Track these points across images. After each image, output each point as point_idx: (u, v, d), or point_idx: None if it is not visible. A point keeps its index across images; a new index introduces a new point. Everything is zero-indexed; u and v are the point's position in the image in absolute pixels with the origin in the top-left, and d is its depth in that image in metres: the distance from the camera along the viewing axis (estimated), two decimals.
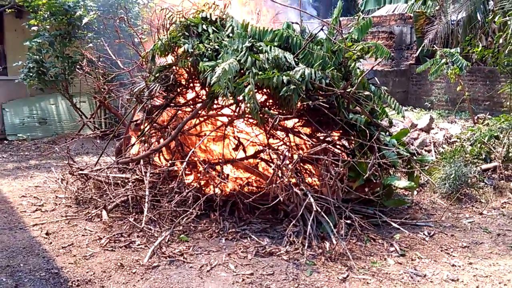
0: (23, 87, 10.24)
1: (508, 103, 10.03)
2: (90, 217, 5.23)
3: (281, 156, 5.04)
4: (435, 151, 8.19)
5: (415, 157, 5.81)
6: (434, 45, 12.76)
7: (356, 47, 5.36)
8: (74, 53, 9.85)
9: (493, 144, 7.24)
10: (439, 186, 6.30)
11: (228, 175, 5.62)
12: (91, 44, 9.57)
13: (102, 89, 6.80)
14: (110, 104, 7.16)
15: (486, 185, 6.50)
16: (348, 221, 4.72)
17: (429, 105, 14.42)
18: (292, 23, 5.71)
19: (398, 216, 5.32)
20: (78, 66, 8.74)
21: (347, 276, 3.96)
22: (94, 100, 9.63)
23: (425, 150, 8.38)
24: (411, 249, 4.55)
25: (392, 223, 4.93)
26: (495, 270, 4.12)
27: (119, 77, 7.69)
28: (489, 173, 6.82)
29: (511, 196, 6.20)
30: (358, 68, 5.44)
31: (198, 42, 5.25)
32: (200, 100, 5.63)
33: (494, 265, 4.22)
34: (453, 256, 4.42)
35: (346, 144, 5.62)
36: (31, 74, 9.69)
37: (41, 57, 9.75)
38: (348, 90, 5.05)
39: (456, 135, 8.78)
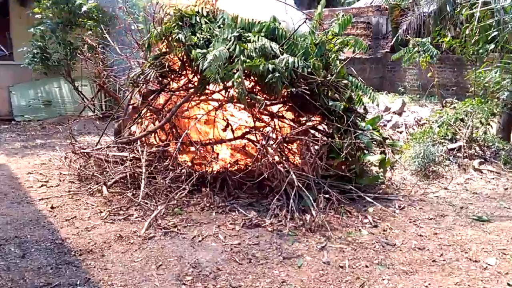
0: (28, 71, 10.02)
1: (473, 88, 10.08)
2: (91, 192, 5.21)
3: (266, 137, 5.05)
4: (406, 132, 8.26)
5: (387, 141, 5.84)
6: (408, 35, 12.73)
7: (336, 40, 5.35)
8: (75, 39, 9.65)
9: (459, 126, 7.30)
10: (409, 164, 6.36)
11: (218, 154, 5.62)
12: (90, 32, 9.39)
13: (102, 74, 6.69)
14: (109, 88, 7.06)
15: (451, 163, 6.56)
16: (327, 196, 4.76)
17: (402, 90, 14.46)
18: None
19: (372, 191, 5.36)
20: (79, 52, 8.60)
21: (325, 245, 4.01)
22: (95, 84, 9.50)
23: (397, 131, 8.45)
24: (383, 220, 4.60)
25: (366, 198, 4.98)
26: (458, 239, 4.19)
27: (117, 63, 7.58)
28: (454, 152, 6.88)
29: (473, 173, 6.28)
30: (338, 59, 5.42)
31: (191, 32, 5.18)
32: (192, 86, 5.59)
33: (457, 235, 4.29)
34: (420, 227, 4.48)
35: (326, 128, 5.63)
36: (35, 59, 9.48)
37: (44, 44, 9.53)
38: (328, 78, 5.05)
39: (425, 117, 8.85)
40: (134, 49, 6.30)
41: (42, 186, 5.55)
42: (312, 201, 4.53)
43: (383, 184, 5.73)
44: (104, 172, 5.52)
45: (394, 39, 14.92)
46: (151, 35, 5.38)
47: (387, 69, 15.77)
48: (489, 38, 8.20)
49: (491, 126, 7.48)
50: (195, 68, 4.96)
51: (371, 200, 4.94)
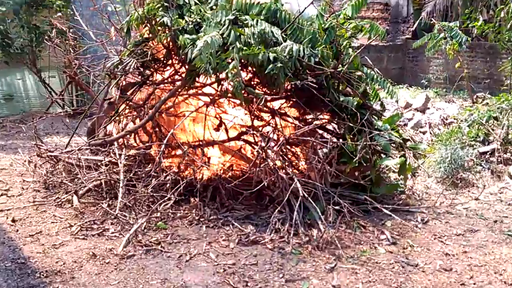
0: None
1: (508, 81, 10.12)
2: (60, 202, 5.20)
3: (265, 138, 5.05)
4: (430, 133, 8.27)
5: (408, 143, 5.84)
6: (432, 19, 12.76)
7: (349, 25, 5.35)
8: (42, 22, 9.66)
9: (492, 126, 7.31)
10: (434, 170, 6.36)
11: (209, 158, 5.62)
12: (60, 13, 9.39)
13: (73, 63, 6.70)
14: (81, 80, 7.06)
15: (483, 169, 6.57)
16: (337, 207, 4.76)
17: (426, 83, 14.48)
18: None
19: (390, 202, 5.36)
20: (46, 37, 8.60)
21: (335, 265, 4.01)
22: (64, 75, 9.51)
23: (420, 132, 8.46)
24: (403, 236, 4.61)
25: (384, 210, 4.97)
26: (491, 259, 4.19)
27: (91, 50, 7.58)
28: (487, 156, 6.89)
29: (509, 181, 6.29)
30: (351, 47, 5.43)
31: (178, 15, 5.18)
32: (179, 78, 5.59)
33: (490, 254, 4.29)
34: (447, 244, 4.48)
35: (336, 127, 5.63)
36: None
37: (5, 27, 9.54)
38: (339, 69, 5.05)
39: (453, 115, 8.85)
40: (111, 35, 6.29)
41: (1, 195, 5.53)
42: (320, 214, 4.54)
43: (403, 194, 5.74)
44: (75, 179, 5.52)
45: (417, 23, 14.98)
46: (131, 18, 5.38)
47: (408, 59, 15.80)
48: None
49: None
50: (183, 57, 4.96)
51: (389, 213, 4.92)
